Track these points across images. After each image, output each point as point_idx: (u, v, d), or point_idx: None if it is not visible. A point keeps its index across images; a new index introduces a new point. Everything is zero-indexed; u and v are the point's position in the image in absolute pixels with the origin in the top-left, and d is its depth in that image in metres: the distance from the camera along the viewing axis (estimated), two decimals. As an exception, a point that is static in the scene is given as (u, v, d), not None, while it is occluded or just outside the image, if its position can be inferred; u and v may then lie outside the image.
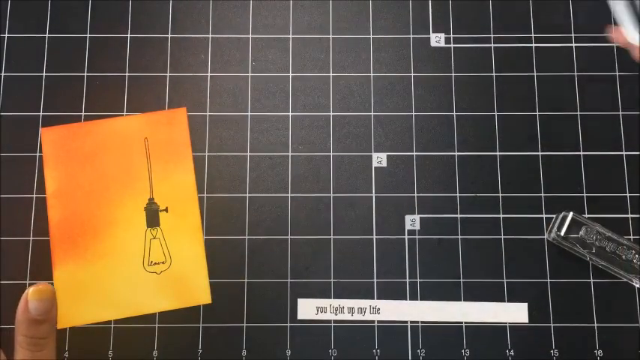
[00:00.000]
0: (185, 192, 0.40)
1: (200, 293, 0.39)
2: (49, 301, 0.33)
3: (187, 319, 0.39)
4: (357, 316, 0.39)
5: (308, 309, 0.39)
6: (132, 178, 0.40)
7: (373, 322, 0.39)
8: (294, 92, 0.42)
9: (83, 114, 0.41)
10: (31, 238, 0.40)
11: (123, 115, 0.41)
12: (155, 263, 0.39)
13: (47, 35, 0.42)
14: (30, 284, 0.39)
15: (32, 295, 0.32)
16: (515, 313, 0.39)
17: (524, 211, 0.40)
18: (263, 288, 0.39)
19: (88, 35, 0.42)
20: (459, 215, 0.40)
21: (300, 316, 0.39)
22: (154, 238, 0.40)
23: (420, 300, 0.39)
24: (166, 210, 0.40)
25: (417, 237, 0.40)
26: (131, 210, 0.40)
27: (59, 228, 0.39)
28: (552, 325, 0.38)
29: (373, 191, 0.41)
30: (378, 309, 0.39)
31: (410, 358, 0.38)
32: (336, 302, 0.39)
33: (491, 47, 0.42)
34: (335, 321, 0.39)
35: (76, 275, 0.39)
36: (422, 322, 0.39)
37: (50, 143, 0.40)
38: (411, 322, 0.39)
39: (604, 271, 0.39)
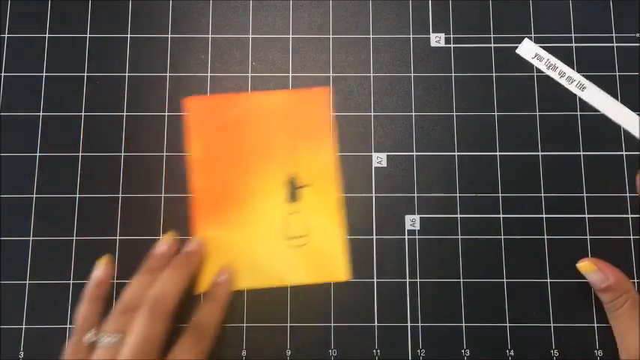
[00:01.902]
0: (325, 170, 0.40)
1: (338, 269, 0.39)
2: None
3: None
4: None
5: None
6: (273, 151, 0.41)
7: (373, 322, 0.39)
8: (294, 92, 0.42)
9: (83, 114, 0.41)
10: (31, 238, 0.40)
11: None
12: (294, 237, 0.39)
13: (47, 35, 0.42)
14: (30, 284, 0.39)
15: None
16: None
17: (524, 211, 0.40)
18: (263, 288, 0.39)
19: (88, 35, 0.42)
20: (459, 215, 0.40)
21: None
22: (294, 212, 0.40)
23: (420, 301, 0.39)
24: (306, 186, 0.40)
25: (417, 237, 0.40)
26: (271, 183, 0.40)
27: (202, 192, 0.40)
28: (552, 325, 0.38)
29: (373, 191, 0.41)
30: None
31: (410, 358, 0.38)
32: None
33: (491, 47, 0.42)
34: (335, 321, 0.39)
35: (217, 241, 0.39)
36: (422, 322, 0.39)
37: (196, 111, 0.41)
38: (411, 322, 0.39)
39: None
